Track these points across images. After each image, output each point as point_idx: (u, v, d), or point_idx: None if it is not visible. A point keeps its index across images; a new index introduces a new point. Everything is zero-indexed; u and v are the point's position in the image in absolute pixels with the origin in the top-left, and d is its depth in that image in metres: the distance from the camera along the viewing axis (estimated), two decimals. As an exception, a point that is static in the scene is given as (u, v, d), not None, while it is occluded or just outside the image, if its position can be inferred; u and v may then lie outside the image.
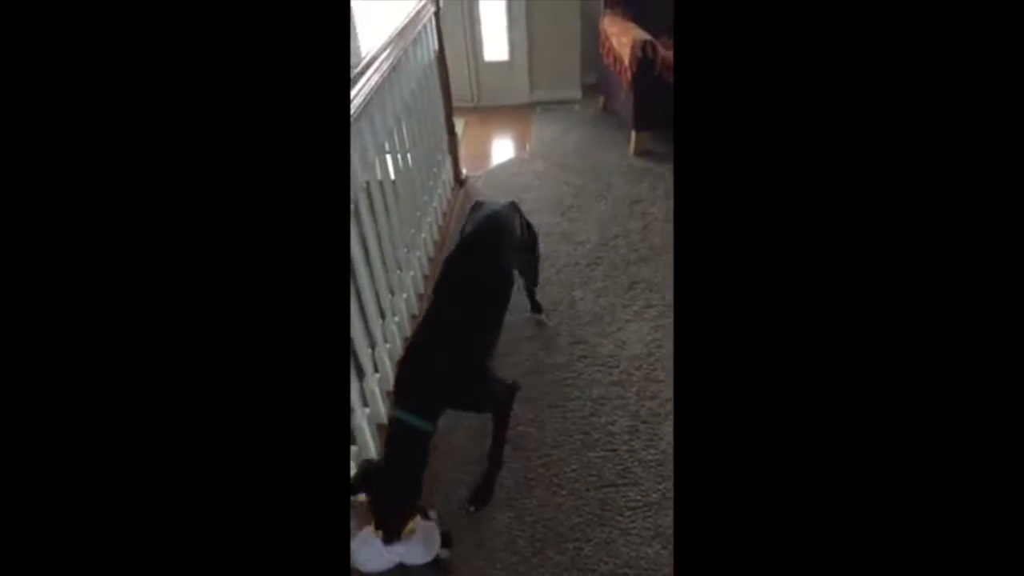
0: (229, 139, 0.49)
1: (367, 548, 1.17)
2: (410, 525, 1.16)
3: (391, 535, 1.15)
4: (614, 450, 1.56)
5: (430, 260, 2.17)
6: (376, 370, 1.59)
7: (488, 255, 1.50)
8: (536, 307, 1.97)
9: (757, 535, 0.49)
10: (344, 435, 0.62)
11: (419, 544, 1.19)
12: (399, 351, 1.70)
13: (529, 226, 1.76)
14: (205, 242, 0.49)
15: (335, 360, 0.53)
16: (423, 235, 2.14)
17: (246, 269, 0.50)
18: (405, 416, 1.23)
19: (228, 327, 0.49)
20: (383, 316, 1.68)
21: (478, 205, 1.70)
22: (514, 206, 1.69)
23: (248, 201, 0.50)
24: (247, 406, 0.49)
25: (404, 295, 1.87)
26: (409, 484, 1.21)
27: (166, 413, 0.47)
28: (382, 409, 1.56)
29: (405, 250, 1.95)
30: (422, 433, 1.24)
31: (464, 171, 2.81)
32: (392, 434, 1.25)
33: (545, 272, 2.20)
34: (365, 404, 1.50)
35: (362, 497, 1.19)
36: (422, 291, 2.02)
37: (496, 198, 1.80)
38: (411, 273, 1.96)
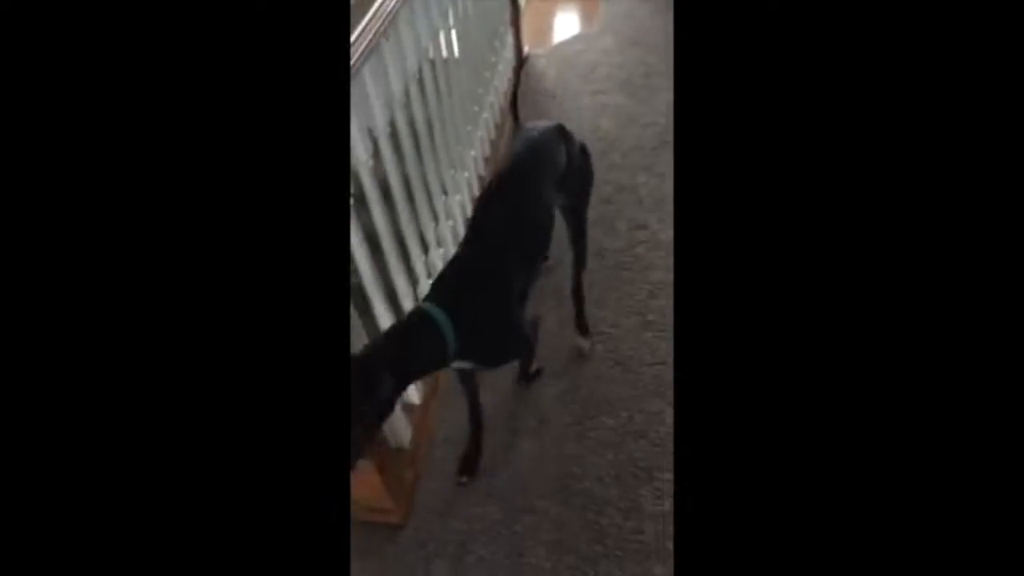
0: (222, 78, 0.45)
1: None
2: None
3: None
4: (671, 330, 1.58)
5: (491, 143, 2.13)
6: (439, 245, 1.63)
7: (525, 194, 1.24)
8: (582, 324, 1.58)
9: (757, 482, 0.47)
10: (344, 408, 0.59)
11: None
12: (460, 226, 1.73)
13: (583, 153, 1.38)
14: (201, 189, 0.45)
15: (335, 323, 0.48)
16: (485, 115, 2.09)
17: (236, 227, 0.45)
18: (429, 307, 1.02)
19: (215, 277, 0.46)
20: (445, 193, 1.70)
21: (518, 128, 1.46)
22: (560, 131, 1.35)
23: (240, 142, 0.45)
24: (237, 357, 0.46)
25: (466, 173, 1.87)
26: (394, 378, 0.92)
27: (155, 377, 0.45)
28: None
29: (468, 128, 1.92)
30: (439, 333, 1.00)
31: (526, 48, 2.67)
32: (406, 320, 1.04)
33: (609, 157, 2.13)
34: (429, 276, 1.57)
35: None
36: (483, 172, 2.01)
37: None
38: (472, 152, 1.94)
